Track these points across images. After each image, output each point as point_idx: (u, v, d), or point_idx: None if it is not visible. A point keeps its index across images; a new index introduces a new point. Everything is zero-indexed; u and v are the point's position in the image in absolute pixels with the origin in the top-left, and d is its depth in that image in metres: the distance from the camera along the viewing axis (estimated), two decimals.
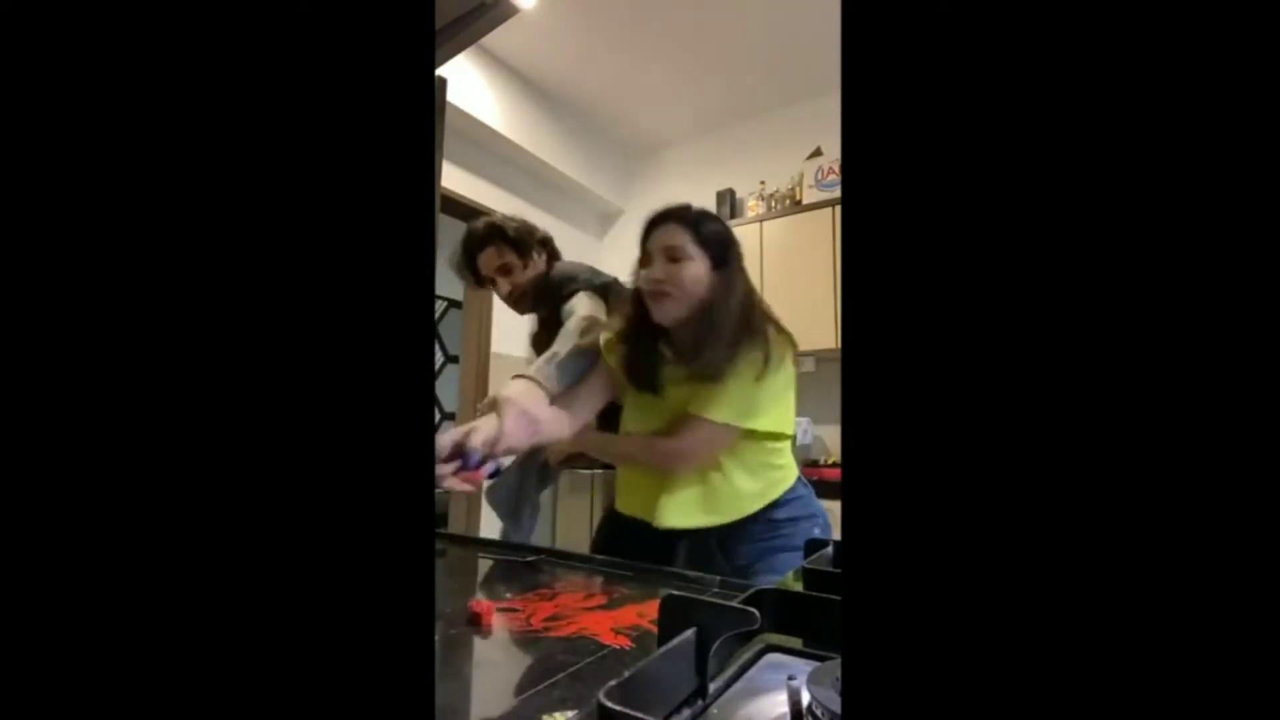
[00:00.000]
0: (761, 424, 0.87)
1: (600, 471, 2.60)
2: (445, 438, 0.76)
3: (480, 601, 0.63)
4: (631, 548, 0.90)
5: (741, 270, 0.92)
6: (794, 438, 0.95)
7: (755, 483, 0.90)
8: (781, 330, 0.91)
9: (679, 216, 0.90)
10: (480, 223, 1.24)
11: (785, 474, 0.94)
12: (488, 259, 1.22)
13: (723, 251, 0.90)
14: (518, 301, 1.25)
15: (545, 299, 1.19)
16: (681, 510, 0.89)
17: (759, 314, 0.91)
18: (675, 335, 0.90)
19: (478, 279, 1.26)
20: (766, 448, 0.91)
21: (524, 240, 1.23)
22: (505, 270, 1.22)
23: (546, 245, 1.27)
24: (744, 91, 2.81)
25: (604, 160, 3.25)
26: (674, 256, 0.87)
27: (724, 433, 0.86)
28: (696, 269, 0.87)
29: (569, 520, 2.72)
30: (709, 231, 0.90)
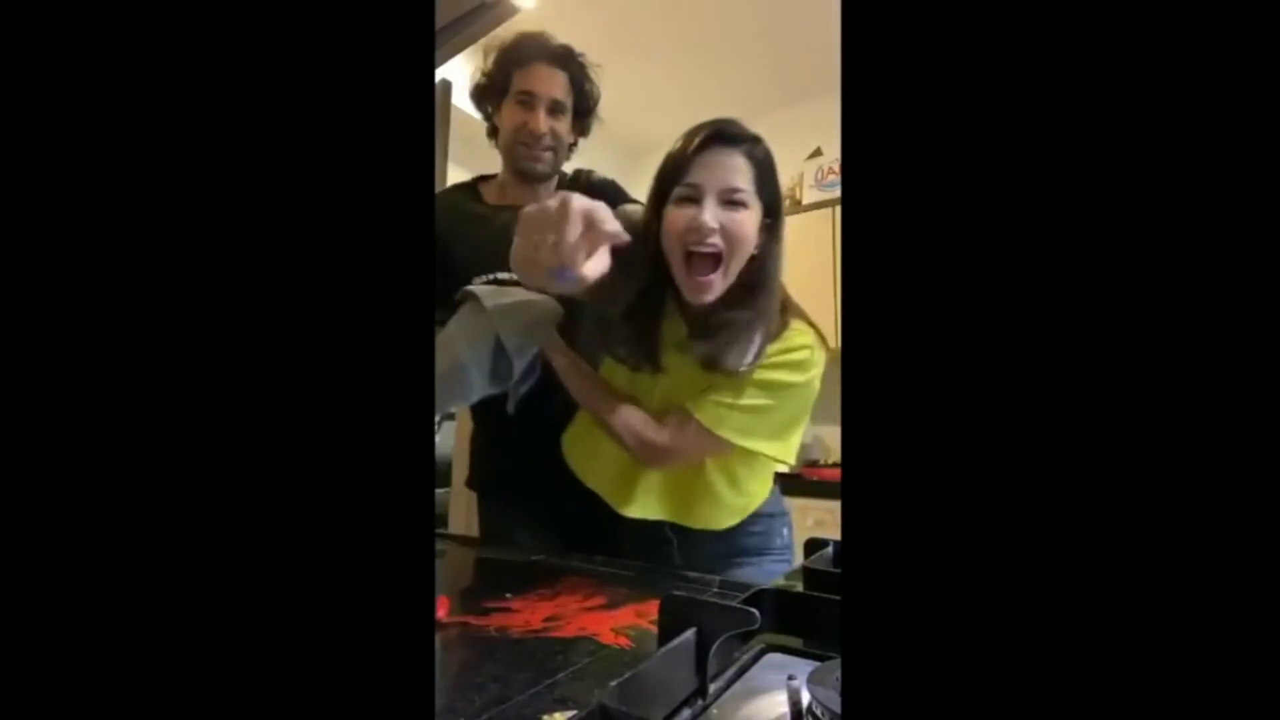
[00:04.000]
0: (765, 449, 0.69)
1: None
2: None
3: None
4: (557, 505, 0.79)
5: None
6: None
7: (739, 497, 0.75)
8: (813, 327, 0.67)
9: (741, 142, 0.61)
10: (547, 36, 0.87)
11: (770, 484, 0.79)
12: (545, 79, 0.84)
13: (775, 200, 0.64)
14: (540, 162, 0.88)
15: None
16: (649, 505, 0.74)
17: (790, 300, 0.69)
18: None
19: (497, 96, 0.87)
20: (761, 463, 0.74)
21: (591, 99, 0.90)
22: (556, 111, 0.86)
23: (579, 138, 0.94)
24: (744, 91, 2.81)
25: (604, 160, 3.23)
26: (735, 199, 0.60)
27: (719, 444, 0.68)
28: (752, 223, 0.61)
29: None
30: (767, 170, 0.62)
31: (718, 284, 0.63)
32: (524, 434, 0.81)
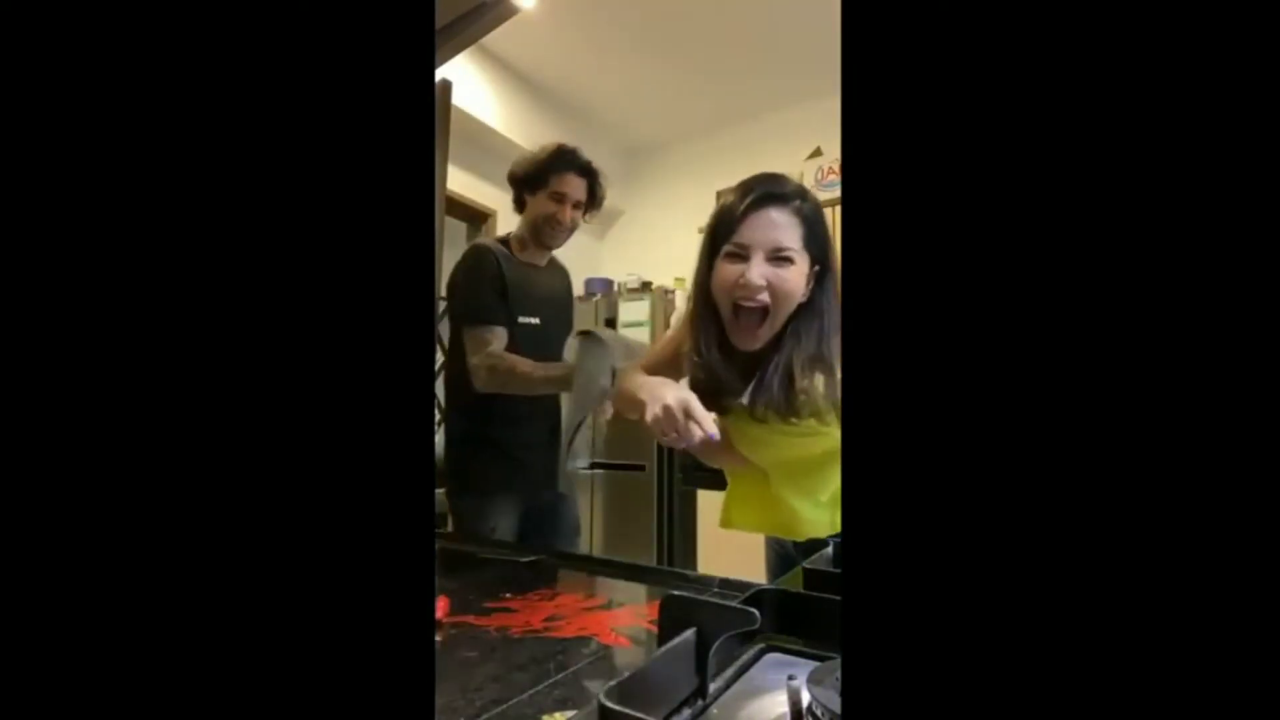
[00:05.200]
0: (778, 475, 0.72)
1: (600, 472, 2.59)
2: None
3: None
4: None
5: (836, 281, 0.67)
6: None
7: (817, 509, 0.76)
8: None
9: (789, 199, 0.65)
10: (577, 152, 1.26)
11: None
12: (574, 184, 1.25)
13: (824, 250, 0.66)
14: (558, 240, 1.29)
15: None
16: (733, 517, 0.80)
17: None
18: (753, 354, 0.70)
19: (534, 187, 1.24)
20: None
21: (599, 199, 1.30)
22: (577, 207, 1.27)
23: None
24: (744, 91, 2.81)
25: (604, 160, 3.23)
26: (782, 256, 0.63)
27: (741, 460, 0.74)
28: (799, 277, 0.65)
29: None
30: (815, 223, 0.65)
31: (764, 334, 0.67)
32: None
